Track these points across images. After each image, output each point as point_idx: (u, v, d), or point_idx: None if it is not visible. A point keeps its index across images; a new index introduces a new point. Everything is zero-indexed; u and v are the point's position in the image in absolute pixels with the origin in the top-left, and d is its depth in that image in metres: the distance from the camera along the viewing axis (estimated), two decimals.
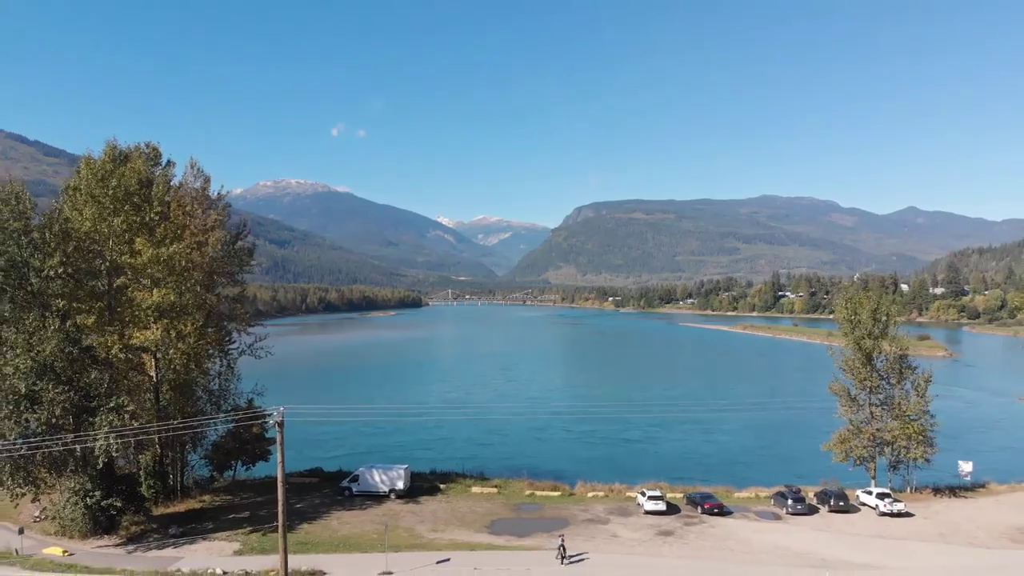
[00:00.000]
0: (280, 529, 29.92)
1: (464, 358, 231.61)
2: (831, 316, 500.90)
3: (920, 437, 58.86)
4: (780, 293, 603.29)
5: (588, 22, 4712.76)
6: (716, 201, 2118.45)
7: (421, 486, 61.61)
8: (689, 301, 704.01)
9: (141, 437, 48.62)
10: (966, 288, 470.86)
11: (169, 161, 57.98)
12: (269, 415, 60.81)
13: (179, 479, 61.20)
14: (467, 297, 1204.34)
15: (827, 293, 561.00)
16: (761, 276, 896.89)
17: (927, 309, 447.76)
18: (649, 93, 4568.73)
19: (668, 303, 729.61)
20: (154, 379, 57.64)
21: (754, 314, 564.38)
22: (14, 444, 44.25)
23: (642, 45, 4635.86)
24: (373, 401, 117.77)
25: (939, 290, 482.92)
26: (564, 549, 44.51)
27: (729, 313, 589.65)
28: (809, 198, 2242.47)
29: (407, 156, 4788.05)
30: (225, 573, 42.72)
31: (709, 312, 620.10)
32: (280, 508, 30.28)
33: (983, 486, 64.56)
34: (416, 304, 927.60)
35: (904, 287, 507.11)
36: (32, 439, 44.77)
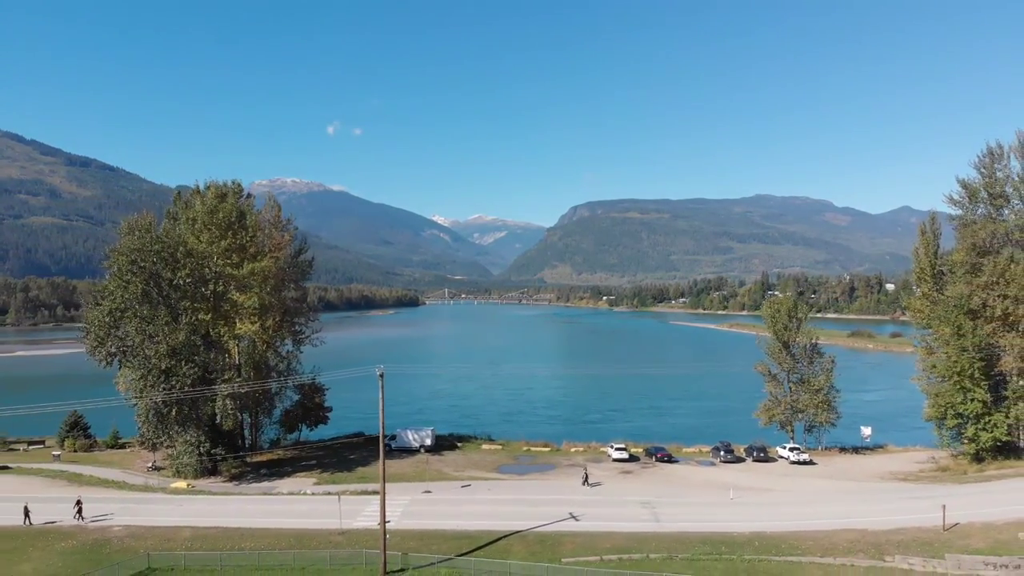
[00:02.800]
0: (381, 462, 46.69)
1: (467, 353, 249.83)
2: (818, 315, 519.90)
3: (825, 406, 76.80)
4: (769, 292, 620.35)
5: (583, 21, 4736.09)
6: (711, 200, 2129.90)
7: (443, 444, 79.67)
8: (681, 300, 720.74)
9: (245, 390, 66.22)
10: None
11: (249, 194, 75.43)
12: (326, 389, 78.45)
13: (255, 438, 78.71)
14: (463, 296, 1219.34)
15: (814, 292, 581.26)
16: (755, 275, 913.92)
17: (910, 308, 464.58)
18: (644, 92, 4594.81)
19: (661, 302, 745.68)
20: (236, 361, 75.08)
21: (744, 313, 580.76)
22: (158, 404, 61.69)
23: (637, 44, 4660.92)
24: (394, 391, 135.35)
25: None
26: (587, 476, 62.42)
27: (719, 312, 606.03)
28: (803, 198, 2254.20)
29: (402, 154, 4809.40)
30: (313, 493, 60.45)
31: (700, 311, 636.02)
32: (381, 442, 47.06)
33: (882, 447, 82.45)
34: (413, 303, 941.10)
35: (890, 287, 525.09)
36: (169, 403, 62.22)
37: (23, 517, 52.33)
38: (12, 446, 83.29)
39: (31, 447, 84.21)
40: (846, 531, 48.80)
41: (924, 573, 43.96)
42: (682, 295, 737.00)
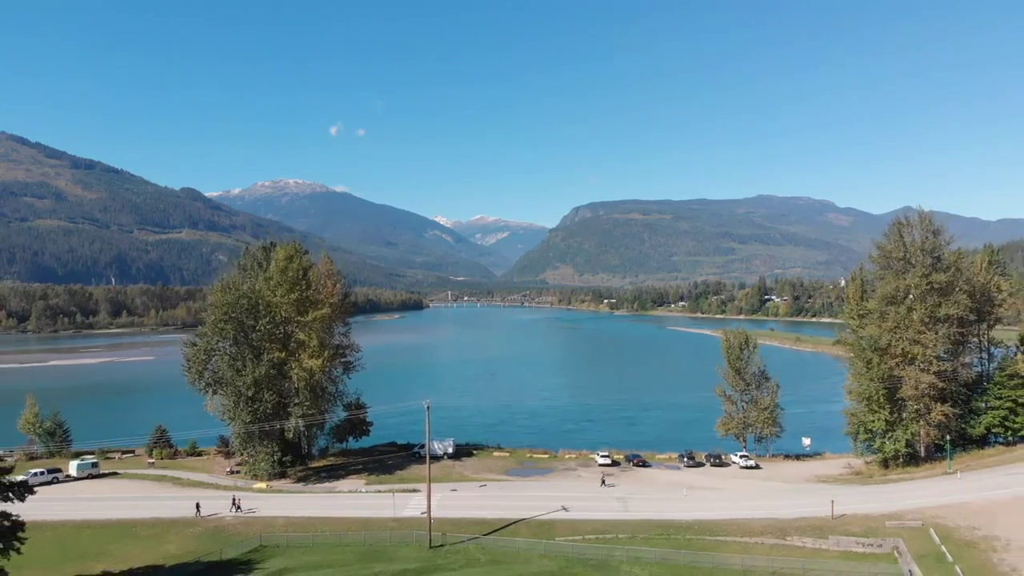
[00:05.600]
0: (427, 467, 64.62)
1: (471, 362, 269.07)
2: (813, 319, 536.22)
3: (771, 421, 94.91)
4: (766, 297, 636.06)
5: (585, 22, 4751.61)
6: (712, 201, 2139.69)
7: (462, 452, 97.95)
8: (681, 304, 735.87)
9: (315, 420, 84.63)
10: None
11: (307, 251, 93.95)
12: (366, 408, 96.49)
13: (309, 447, 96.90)
14: (466, 299, 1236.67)
15: (810, 297, 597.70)
16: (756, 276, 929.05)
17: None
18: (647, 93, 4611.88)
19: (661, 305, 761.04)
20: (295, 386, 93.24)
21: (741, 317, 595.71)
22: (248, 424, 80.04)
23: (639, 45, 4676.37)
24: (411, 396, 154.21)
25: None
26: (604, 479, 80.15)
27: (718, 316, 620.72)
28: (806, 198, 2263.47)
29: (405, 155, 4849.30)
30: (366, 491, 78.74)
31: (699, 315, 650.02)
32: (427, 456, 65.19)
33: (820, 454, 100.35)
34: (418, 306, 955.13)
35: None
36: (256, 422, 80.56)
37: (195, 511, 70.49)
38: (108, 455, 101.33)
39: (124, 455, 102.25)
40: (762, 519, 67.03)
41: (812, 549, 62.05)
42: (681, 298, 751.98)
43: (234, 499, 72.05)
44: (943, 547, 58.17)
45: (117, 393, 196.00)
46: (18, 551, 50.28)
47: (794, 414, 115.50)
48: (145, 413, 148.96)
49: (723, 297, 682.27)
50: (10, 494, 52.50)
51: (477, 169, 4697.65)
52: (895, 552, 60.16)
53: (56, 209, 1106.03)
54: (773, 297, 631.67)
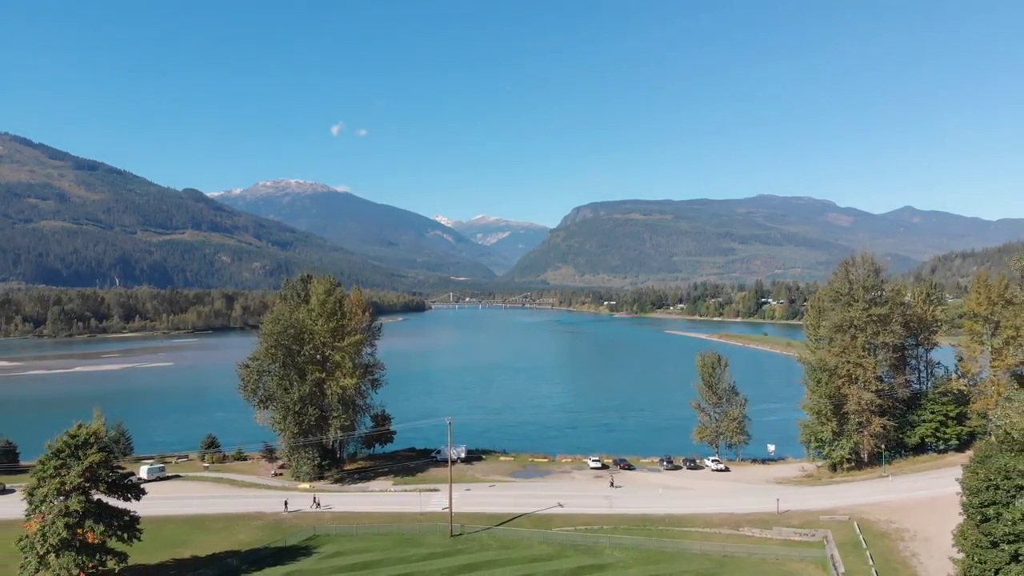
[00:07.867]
0: (449, 471, 79.61)
1: (474, 368, 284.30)
2: None
3: (739, 430, 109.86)
4: (762, 300, 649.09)
5: (587, 24, 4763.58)
6: (713, 201, 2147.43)
7: (472, 456, 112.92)
8: (680, 306, 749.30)
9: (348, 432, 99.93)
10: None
11: (339, 283, 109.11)
12: (391, 419, 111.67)
13: (341, 453, 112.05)
14: (467, 300, 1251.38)
15: (805, 300, 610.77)
16: (756, 276, 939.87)
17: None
18: (648, 93, 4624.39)
19: (660, 308, 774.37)
20: (329, 401, 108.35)
21: (738, 320, 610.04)
22: (295, 435, 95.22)
23: (641, 46, 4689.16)
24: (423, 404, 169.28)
25: None
26: (613, 480, 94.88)
27: (715, 319, 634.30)
28: (806, 198, 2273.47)
29: (406, 155, 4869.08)
30: (394, 490, 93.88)
31: (697, 317, 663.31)
32: (449, 461, 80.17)
33: (783, 459, 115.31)
34: (420, 308, 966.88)
35: None
36: (301, 433, 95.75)
37: (283, 506, 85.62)
38: (165, 459, 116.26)
39: (179, 460, 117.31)
40: (721, 513, 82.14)
41: (759, 537, 77.02)
42: (680, 300, 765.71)
43: (314, 498, 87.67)
44: (861, 536, 73.29)
45: (149, 400, 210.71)
46: (138, 539, 65.43)
47: (765, 422, 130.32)
48: (178, 420, 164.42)
49: (721, 300, 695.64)
50: (129, 494, 67.93)
51: (478, 169, 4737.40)
52: (824, 541, 75.07)
53: (60, 210, 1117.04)
54: (770, 300, 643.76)
